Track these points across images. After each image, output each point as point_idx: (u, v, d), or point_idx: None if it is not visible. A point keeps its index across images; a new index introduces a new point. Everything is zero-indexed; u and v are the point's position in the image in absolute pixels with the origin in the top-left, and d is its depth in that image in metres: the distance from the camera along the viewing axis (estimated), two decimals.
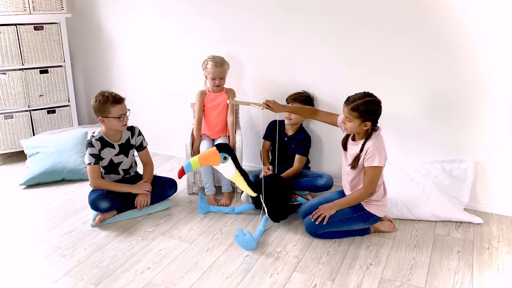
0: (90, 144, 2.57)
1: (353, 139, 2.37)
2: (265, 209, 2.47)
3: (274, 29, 2.99)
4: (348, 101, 2.25)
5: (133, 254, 2.29)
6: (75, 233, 2.49)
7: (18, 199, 2.93)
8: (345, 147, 2.41)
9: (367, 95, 2.24)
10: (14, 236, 2.48)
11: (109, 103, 2.50)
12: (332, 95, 2.95)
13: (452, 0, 2.49)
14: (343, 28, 2.80)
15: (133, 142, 2.72)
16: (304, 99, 2.88)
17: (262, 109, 2.50)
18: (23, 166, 3.33)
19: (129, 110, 2.61)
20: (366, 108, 2.20)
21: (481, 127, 2.62)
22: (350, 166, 2.33)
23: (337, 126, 2.48)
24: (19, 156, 3.55)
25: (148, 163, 2.79)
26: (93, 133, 2.62)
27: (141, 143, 2.75)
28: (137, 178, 2.78)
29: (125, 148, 2.68)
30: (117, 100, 2.53)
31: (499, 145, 2.61)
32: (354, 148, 2.33)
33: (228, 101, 2.76)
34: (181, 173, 2.36)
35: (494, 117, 2.58)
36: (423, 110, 2.74)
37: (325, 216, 2.34)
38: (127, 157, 2.70)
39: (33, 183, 3.10)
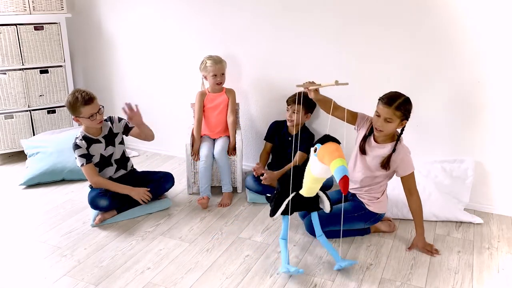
0: (76, 146, 2.57)
1: (376, 141, 2.30)
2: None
3: (274, 28, 2.99)
4: (389, 100, 2.18)
5: (133, 254, 2.29)
6: (75, 233, 2.49)
7: (18, 199, 2.93)
8: (363, 150, 2.33)
9: (400, 93, 2.21)
10: (14, 236, 2.48)
11: (78, 103, 2.49)
12: (333, 94, 2.94)
13: (452, 0, 2.49)
14: (343, 29, 2.79)
15: (116, 130, 2.71)
16: (303, 99, 2.88)
17: (304, 89, 2.34)
18: (23, 166, 3.33)
19: (102, 107, 2.59)
20: (408, 107, 2.19)
21: (481, 127, 2.62)
22: (381, 167, 2.27)
23: (352, 124, 2.40)
24: (19, 156, 3.55)
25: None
26: (76, 135, 2.62)
27: (126, 126, 2.73)
28: (133, 177, 2.78)
29: (110, 139, 2.68)
30: (86, 101, 2.49)
31: (499, 145, 2.61)
32: (379, 150, 2.27)
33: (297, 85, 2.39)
34: (347, 181, 1.75)
35: (494, 117, 2.58)
36: (423, 110, 2.73)
37: (434, 249, 2.30)
38: (114, 146, 2.70)
39: (33, 183, 3.10)
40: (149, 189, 2.69)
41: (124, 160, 2.77)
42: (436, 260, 2.25)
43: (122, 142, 2.76)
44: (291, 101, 2.89)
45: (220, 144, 2.93)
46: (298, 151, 2.90)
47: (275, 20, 2.97)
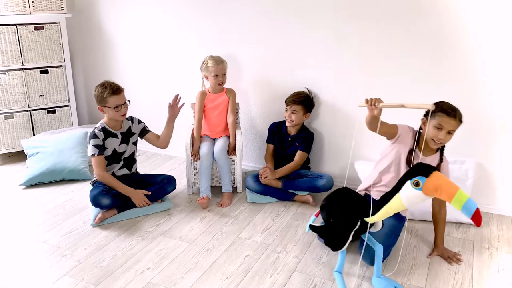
0: (94, 135, 2.61)
1: (424, 154, 2.20)
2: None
3: (274, 28, 2.99)
4: (453, 112, 2.12)
5: (133, 254, 2.29)
6: (75, 233, 2.49)
7: (18, 199, 2.93)
8: (410, 163, 2.21)
9: (449, 102, 2.15)
10: (14, 236, 2.48)
11: (106, 93, 2.56)
12: (333, 94, 2.95)
13: (452, 0, 2.49)
14: (343, 29, 2.79)
15: (134, 130, 2.76)
16: (302, 100, 2.88)
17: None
18: (23, 166, 3.33)
19: (128, 101, 2.65)
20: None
21: (482, 127, 2.62)
22: None
23: (391, 137, 2.25)
24: (19, 156, 3.55)
25: (160, 135, 2.84)
26: (96, 125, 2.68)
27: (144, 128, 2.81)
28: (136, 179, 2.79)
29: (127, 136, 2.73)
30: (114, 91, 2.58)
31: (500, 145, 2.60)
32: (428, 161, 2.17)
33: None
34: (479, 213, 1.64)
35: (494, 117, 2.57)
36: (423, 110, 2.73)
37: (456, 258, 2.26)
38: (128, 145, 2.74)
39: (33, 183, 3.10)
40: (149, 193, 2.69)
41: (131, 160, 2.80)
42: (435, 260, 2.25)
43: (135, 143, 2.80)
44: (290, 101, 2.88)
45: (220, 144, 2.93)
46: (298, 151, 2.90)
47: (275, 20, 2.97)
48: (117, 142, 2.68)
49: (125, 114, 2.66)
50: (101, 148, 2.62)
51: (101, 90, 2.58)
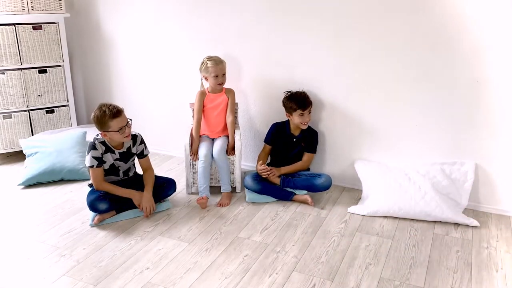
0: (93, 147, 2.55)
1: None
2: None
3: (273, 29, 2.99)
4: None
5: (132, 254, 2.29)
6: (74, 233, 2.49)
7: (17, 199, 2.92)
8: None
9: None
10: (13, 236, 2.47)
11: (106, 117, 2.46)
12: (332, 94, 2.95)
13: (450, 0, 2.50)
14: (342, 28, 2.79)
15: (134, 150, 2.70)
16: (309, 98, 2.89)
17: None
18: (22, 166, 3.32)
19: (130, 119, 2.58)
20: None
21: (481, 127, 2.62)
22: None
23: None
24: (18, 156, 3.54)
25: (148, 169, 2.76)
26: (97, 135, 2.60)
27: (142, 151, 2.74)
28: (135, 179, 2.78)
29: (125, 156, 2.68)
30: (115, 114, 2.47)
31: (499, 145, 2.60)
32: None
33: None
34: None
35: (493, 118, 2.58)
36: (422, 111, 2.74)
37: None
38: (126, 163, 2.70)
39: (32, 183, 3.09)
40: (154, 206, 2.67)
41: (129, 169, 2.77)
42: (434, 259, 2.25)
43: (133, 160, 2.76)
44: (307, 104, 2.84)
45: (219, 144, 2.93)
46: (307, 153, 2.91)
47: (274, 20, 2.97)
48: (114, 157, 2.63)
49: (129, 135, 2.59)
50: (100, 161, 2.56)
51: (100, 114, 2.46)
